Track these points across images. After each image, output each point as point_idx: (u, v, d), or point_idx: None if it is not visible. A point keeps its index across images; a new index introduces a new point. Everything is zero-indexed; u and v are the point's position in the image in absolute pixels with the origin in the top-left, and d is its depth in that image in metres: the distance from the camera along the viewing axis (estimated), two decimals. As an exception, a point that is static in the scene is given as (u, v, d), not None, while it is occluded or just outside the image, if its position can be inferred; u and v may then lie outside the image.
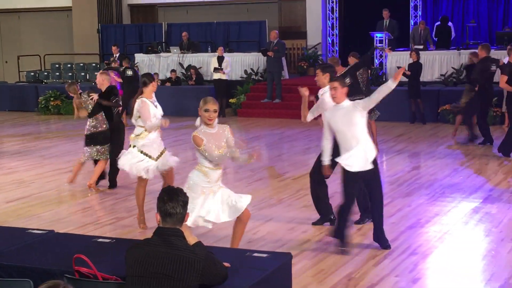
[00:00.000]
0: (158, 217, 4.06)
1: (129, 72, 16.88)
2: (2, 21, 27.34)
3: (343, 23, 21.79)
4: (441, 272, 6.55)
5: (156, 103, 8.14)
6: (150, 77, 8.10)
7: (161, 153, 8.01)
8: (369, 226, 7.90)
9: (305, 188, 9.95)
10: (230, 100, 18.70)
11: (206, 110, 6.08)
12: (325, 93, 7.76)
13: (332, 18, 21.49)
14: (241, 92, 18.76)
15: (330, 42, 21.70)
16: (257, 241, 7.54)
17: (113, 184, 10.21)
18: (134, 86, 15.11)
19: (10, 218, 8.47)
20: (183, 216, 4.07)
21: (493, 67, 12.86)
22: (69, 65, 23.26)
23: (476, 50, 13.49)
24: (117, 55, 18.14)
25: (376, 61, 18.76)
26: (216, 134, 6.19)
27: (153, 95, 8.17)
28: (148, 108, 7.87)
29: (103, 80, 9.95)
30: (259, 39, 21.50)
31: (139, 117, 7.89)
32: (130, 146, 8.01)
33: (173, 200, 4.03)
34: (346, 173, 7.01)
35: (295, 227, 7.99)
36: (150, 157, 7.91)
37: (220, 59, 18.48)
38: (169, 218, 4.02)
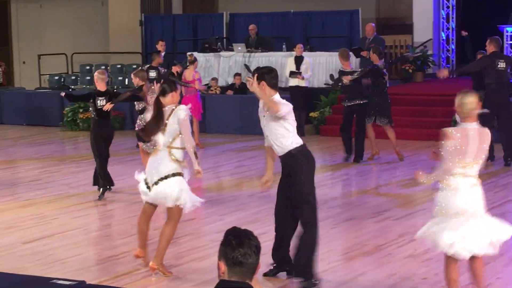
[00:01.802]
0: (222, 267, 4.09)
1: (152, 74, 16.81)
2: (20, 11, 28.18)
3: (462, 14, 21.60)
4: None
5: None
6: (172, 85, 8.31)
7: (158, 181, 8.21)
8: None
9: (411, 232, 9.87)
10: (310, 114, 18.72)
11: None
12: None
13: (448, 7, 21.36)
14: (326, 104, 18.77)
15: (444, 38, 21.56)
16: (346, 302, 7.53)
17: None
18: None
19: (28, 264, 8.64)
20: (255, 266, 4.09)
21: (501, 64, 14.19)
22: (103, 67, 23.76)
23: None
24: (163, 53, 18.35)
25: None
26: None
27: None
28: None
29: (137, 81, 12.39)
30: (350, 34, 21.53)
31: None
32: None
33: (244, 245, 4.05)
34: None
35: (397, 284, 7.93)
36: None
37: (299, 60, 18.53)
38: (239, 268, 4.04)
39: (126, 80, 22.74)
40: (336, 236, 9.88)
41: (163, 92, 8.22)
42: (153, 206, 8.49)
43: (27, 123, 21.54)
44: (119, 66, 23.54)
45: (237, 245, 4.07)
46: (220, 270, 4.14)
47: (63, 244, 9.60)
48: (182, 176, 8.17)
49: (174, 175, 8.10)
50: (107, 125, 12.38)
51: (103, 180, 12.22)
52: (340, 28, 21.81)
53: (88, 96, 12.32)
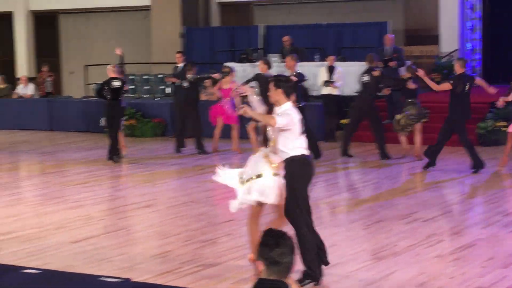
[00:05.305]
0: (260, 266, 4.11)
1: (185, 84, 17.31)
2: (68, 24, 28.43)
3: (488, 25, 21.44)
4: None
5: None
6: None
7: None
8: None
9: (438, 233, 9.84)
10: (341, 121, 18.68)
11: None
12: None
13: (473, 18, 21.19)
14: (357, 111, 18.71)
15: (469, 48, 21.40)
16: (377, 299, 7.51)
17: None
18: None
19: (76, 262, 8.71)
20: (291, 265, 4.11)
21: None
22: (145, 77, 23.89)
23: None
24: (181, 64, 17.98)
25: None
26: None
27: None
28: None
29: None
30: (380, 45, 21.45)
31: None
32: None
33: (280, 245, 4.08)
34: None
35: (426, 283, 7.89)
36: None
37: (331, 70, 18.55)
38: (276, 267, 4.06)
39: (167, 89, 22.83)
40: (367, 237, 9.86)
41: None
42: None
43: (75, 129, 21.72)
44: (160, 76, 23.62)
45: (274, 245, 4.09)
46: (258, 269, 4.17)
47: (109, 243, 9.67)
48: None
49: None
50: (117, 105, 15.94)
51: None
52: (370, 39, 21.74)
53: (103, 84, 16.12)
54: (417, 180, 13.73)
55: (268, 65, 15.66)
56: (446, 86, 13.84)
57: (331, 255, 8.77)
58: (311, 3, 24.35)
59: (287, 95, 7.81)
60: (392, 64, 17.96)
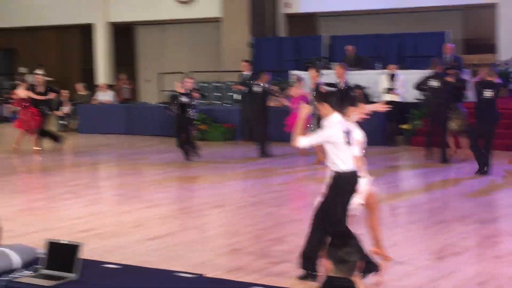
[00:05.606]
0: (328, 265, 4.13)
1: (256, 88, 17.35)
2: (145, 34, 28.83)
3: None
4: None
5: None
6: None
7: None
8: None
9: (496, 234, 9.71)
10: (402, 126, 18.57)
11: None
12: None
13: (530, 28, 20.88)
14: (418, 117, 18.59)
15: (526, 56, 21.09)
16: (438, 297, 7.43)
17: None
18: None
19: (152, 258, 8.82)
20: (357, 264, 4.12)
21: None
22: (216, 84, 24.04)
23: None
24: (247, 72, 18.16)
25: None
26: None
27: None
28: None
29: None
30: (440, 54, 21.26)
31: None
32: None
33: (347, 245, 4.10)
34: None
35: (485, 282, 7.79)
36: None
37: (392, 77, 18.45)
38: (343, 266, 4.08)
39: (235, 95, 22.94)
40: (427, 238, 9.77)
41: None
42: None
43: (150, 133, 21.97)
44: (230, 83, 23.78)
45: (341, 245, 4.11)
46: (326, 268, 4.18)
47: (182, 241, 9.74)
48: None
49: None
50: (186, 117, 16.49)
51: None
52: (431, 48, 21.55)
53: (173, 98, 16.91)
54: (476, 183, 13.55)
55: (319, 72, 15.66)
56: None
57: (392, 255, 8.72)
58: (374, 14, 24.24)
59: (333, 107, 7.59)
60: (451, 72, 17.76)
